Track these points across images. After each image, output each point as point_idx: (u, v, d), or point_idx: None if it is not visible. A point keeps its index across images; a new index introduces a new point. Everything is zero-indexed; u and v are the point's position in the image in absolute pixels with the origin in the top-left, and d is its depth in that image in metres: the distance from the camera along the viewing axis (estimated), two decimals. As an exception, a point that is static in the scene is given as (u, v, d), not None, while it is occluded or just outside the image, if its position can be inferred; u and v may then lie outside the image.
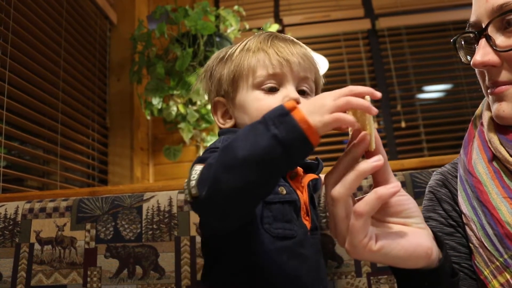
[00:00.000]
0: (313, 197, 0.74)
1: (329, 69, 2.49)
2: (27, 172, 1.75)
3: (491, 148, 0.64)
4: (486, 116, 0.67)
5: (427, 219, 0.72)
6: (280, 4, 3.01)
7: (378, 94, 0.48)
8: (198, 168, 0.54)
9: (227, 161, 0.49)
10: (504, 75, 0.60)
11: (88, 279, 0.90)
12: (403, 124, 2.78)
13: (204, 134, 2.44)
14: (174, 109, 2.23)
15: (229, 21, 2.26)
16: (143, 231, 0.91)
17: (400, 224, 0.53)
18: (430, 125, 2.79)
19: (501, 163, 0.62)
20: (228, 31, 2.28)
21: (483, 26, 0.61)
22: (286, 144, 0.47)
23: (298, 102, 0.69)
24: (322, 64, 2.38)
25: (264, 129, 0.48)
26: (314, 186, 0.79)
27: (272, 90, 0.71)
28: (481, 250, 0.63)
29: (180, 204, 0.93)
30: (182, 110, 2.24)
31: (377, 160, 0.48)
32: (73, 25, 2.12)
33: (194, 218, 0.91)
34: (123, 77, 2.42)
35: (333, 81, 2.76)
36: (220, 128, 0.78)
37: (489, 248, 0.61)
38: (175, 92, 2.16)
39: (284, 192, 0.66)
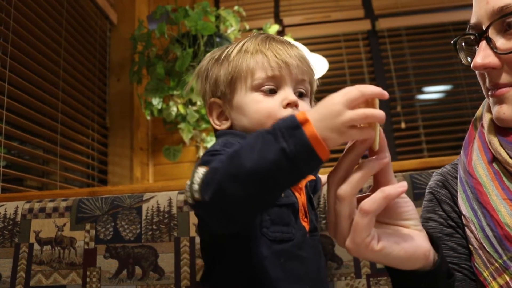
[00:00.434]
0: (311, 198, 0.74)
1: (329, 70, 2.48)
2: (27, 172, 1.75)
3: (491, 150, 0.64)
4: (486, 118, 0.67)
5: (427, 219, 0.72)
6: (280, 4, 3.01)
7: (387, 95, 0.47)
8: (201, 171, 0.54)
9: (233, 171, 0.48)
10: (504, 78, 0.60)
11: (88, 279, 0.89)
12: (403, 125, 2.77)
13: (204, 135, 2.44)
14: (174, 110, 2.23)
15: (229, 21, 2.26)
16: (142, 232, 0.91)
17: (399, 226, 0.53)
18: (430, 126, 2.78)
19: (501, 165, 0.62)
20: (228, 31, 2.28)
21: (484, 28, 0.61)
22: (294, 159, 0.45)
23: (296, 105, 0.70)
24: (322, 64, 2.38)
25: (272, 140, 0.46)
26: (314, 187, 0.79)
27: (271, 92, 0.71)
28: (480, 252, 0.63)
29: (180, 204, 0.93)
30: (182, 110, 2.24)
31: (384, 158, 0.48)
32: (73, 25, 2.12)
33: (194, 218, 0.91)
34: (123, 77, 2.42)
35: (333, 82, 2.76)
36: (215, 129, 0.77)
37: (488, 250, 0.61)
38: (175, 92, 2.16)
39: (282, 194, 0.66)
